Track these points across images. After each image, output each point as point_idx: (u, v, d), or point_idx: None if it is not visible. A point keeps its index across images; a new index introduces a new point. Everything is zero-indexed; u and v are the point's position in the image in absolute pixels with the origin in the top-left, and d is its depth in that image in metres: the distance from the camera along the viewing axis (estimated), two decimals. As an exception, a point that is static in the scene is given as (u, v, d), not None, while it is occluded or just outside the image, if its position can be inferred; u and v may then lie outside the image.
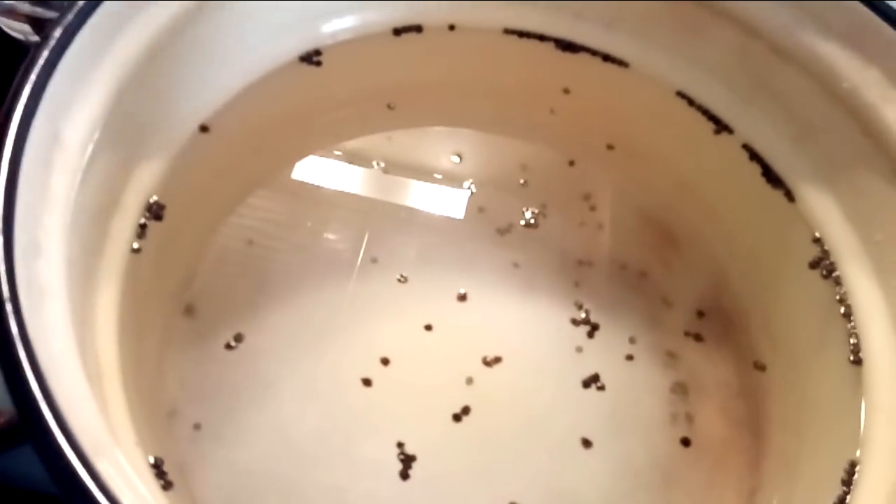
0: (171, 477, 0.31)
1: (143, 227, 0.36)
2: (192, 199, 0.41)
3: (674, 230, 0.49)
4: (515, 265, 0.47)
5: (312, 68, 0.44)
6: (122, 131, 0.33)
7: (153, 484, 0.29)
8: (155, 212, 0.37)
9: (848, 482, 0.34)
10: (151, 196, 0.37)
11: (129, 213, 0.35)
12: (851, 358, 0.38)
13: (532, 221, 0.49)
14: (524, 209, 0.49)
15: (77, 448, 0.20)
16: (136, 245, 0.36)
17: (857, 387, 0.37)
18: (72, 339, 0.25)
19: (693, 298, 0.48)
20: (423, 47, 0.47)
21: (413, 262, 0.46)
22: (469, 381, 0.43)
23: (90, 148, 0.30)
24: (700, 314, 0.47)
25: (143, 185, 0.36)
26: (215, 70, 0.40)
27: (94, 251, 0.32)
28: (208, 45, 0.38)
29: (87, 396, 0.23)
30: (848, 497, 0.34)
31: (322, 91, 0.47)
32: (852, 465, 0.35)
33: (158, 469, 0.31)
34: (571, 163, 0.51)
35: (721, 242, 0.48)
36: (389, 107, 0.49)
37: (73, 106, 0.28)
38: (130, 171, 0.35)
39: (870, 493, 0.33)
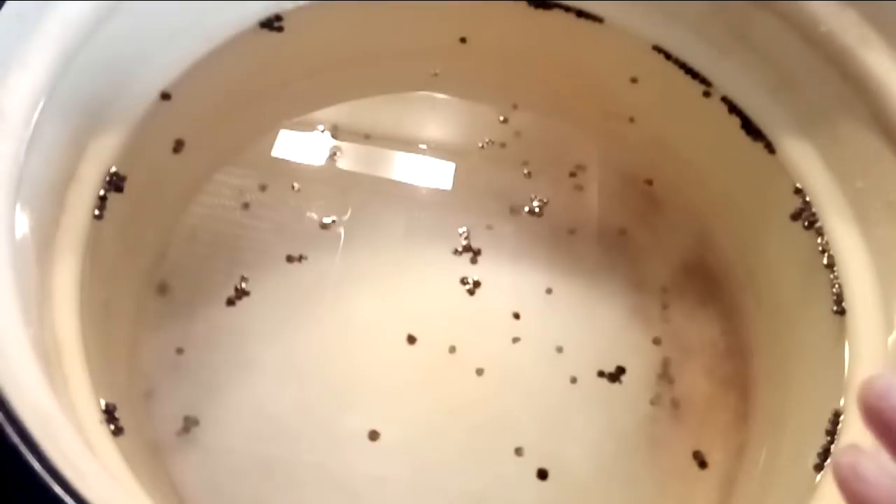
0: (122, 423, 0.30)
1: (102, 199, 0.35)
2: (156, 170, 0.40)
3: (655, 189, 0.48)
4: (489, 227, 0.47)
5: (274, 34, 0.43)
6: (74, 100, 0.32)
7: (108, 443, 0.28)
8: (115, 183, 0.36)
9: (832, 431, 0.34)
10: (110, 167, 0.36)
11: (87, 185, 0.34)
12: (835, 308, 0.38)
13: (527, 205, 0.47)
14: (512, 175, 0.48)
15: (16, 422, 0.19)
16: (96, 216, 0.35)
17: (840, 336, 0.37)
18: (17, 312, 0.24)
19: (677, 258, 0.47)
20: (391, 10, 0.46)
21: (395, 238, 0.46)
22: (480, 371, 0.42)
23: (35, 116, 0.28)
24: (684, 273, 0.46)
25: (101, 155, 0.35)
26: (173, 35, 0.38)
27: (49, 224, 0.31)
28: (163, 8, 0.37)
29: (32, 370, 0.22)
30: (833, 446, 0.33)
31: (287, 58, 0.45)
32: (836, 415, 0.34)
33: (110, 415, 0.30)
34: (552, 122, 0.50)
35: (703, 199, 0.47)
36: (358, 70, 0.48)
37: (11, 71, 0.27)
38: (86, 141, 0.34)
39: (854, 440, 0.32)
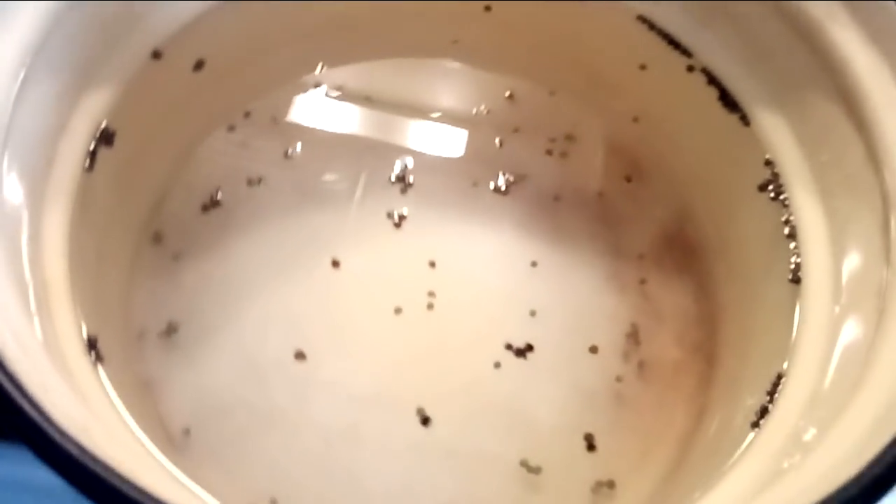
0: (103, 352, 0.32)
1: (93, 153, 0.37)
2: (148, 128, 0.41)
3: (638, 160, 0.49)
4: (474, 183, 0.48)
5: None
6: (64, 57, 0.34)
7: (86, 367, 0.30)
8: (105, 137, 0.38)
9: (772, 392, 0.35)
10: (101, 122, 0.37)
11: (78, 138, 0.36)
12: (790, 277, 0.39)
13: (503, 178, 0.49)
14: (499, 142, 0.49)
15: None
16: (86, 168, 0.36)
17: (792, 304, 0.38)
18: (5, 252, 0.26)
19: (657, 228, 0.48)
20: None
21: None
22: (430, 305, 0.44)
23: (23, 72, 0.30)
24: (663, 243, 0.47)
25: (92, 110, 0.37)
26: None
27: (39, 174, 0.34)
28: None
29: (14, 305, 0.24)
30: (770, 406, 0.35)
31: (284, 15, 0.46)
32: (779, 377, 0.36)
33: (92, 345, 0.32)
34: (539, 91, 0.50)
35: (683, 170, 0.48)
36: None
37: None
38: (77, 97, 0.36)
39: (789, 400, 0.33)
